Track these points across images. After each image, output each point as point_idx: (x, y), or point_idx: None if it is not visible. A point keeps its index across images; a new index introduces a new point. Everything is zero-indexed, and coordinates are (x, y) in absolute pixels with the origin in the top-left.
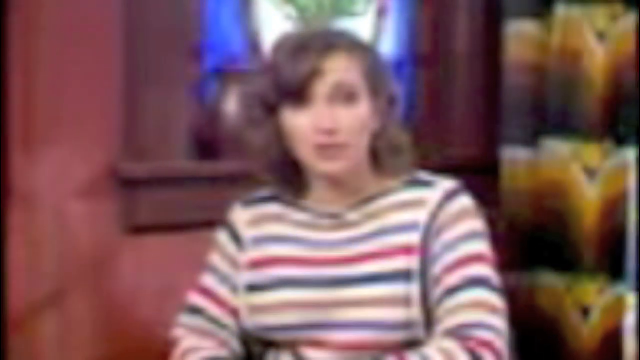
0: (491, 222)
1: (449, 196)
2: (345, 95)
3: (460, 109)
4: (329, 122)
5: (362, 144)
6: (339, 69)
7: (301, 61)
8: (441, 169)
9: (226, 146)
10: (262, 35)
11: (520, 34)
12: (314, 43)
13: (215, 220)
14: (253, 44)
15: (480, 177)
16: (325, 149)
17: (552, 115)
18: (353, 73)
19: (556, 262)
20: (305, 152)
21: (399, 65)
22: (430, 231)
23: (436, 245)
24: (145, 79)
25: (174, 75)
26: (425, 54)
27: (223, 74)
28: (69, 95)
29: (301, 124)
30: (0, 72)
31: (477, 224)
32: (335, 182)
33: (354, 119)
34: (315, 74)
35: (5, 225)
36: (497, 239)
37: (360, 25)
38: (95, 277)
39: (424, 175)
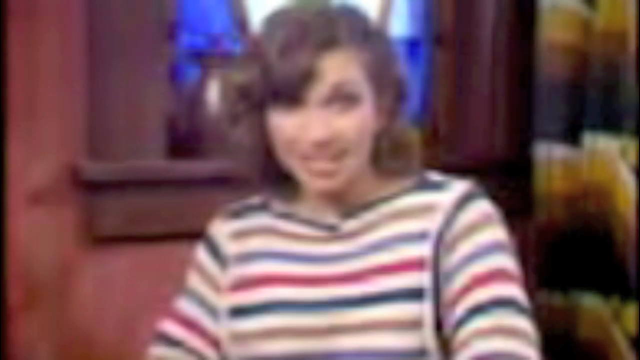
0: (519, 232)
1: (464, 200)
2: (344, 98)
3: (484, 98)
4: (322, 133)
5: (363, 151)
6: (339, 68)
7: (294, 59)
8: (460, 170)
9: (208, 143)
10: (249, 10)
11: (557, 10)
12: (309, 35)
13: (194, 231)
14: (239, 22)
15: (508, 178)
16: (319, 162)
17: (594, 106)
18: (355, 71)
19: (599, 282)
20: (293, 164)
21: (413, 46)
22: (443, 242)
23: (451, 260)
24: (112, 63)
25: (145, 58)
26: (444, 33)
27: (203, 56)
28: (20, 82)
29: (290, 128)
30: None
31: (499, 233)
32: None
33: (354, 125)
34: (310, 75)
35: None
36: (526, 252)
37: (367, 2)
38: (51, 297)
39: (433, 176)
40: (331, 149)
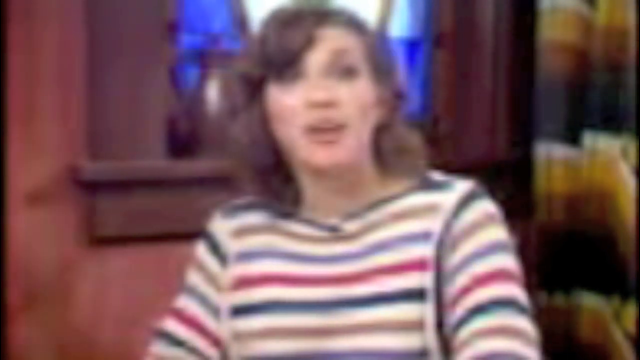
0: (520, 232)
1: (466, 200)
2: (343, 68)
3: (485, 97)
4: (325, 94)
5: (364, 131)
6: (337, 37)
7: (293, 30)
8: (460, 169)
9: (208, 143)
10: (250, 10)
11: (557, 10)
12: (306, 15)
13: (193, 231)
14: (239, 21)
15: (508, 178)
16: (321, 132)
17: (595, 106)
18: (353, 44)
19: (599, 282)
20: (294, 139)
21: (413, 46)
22: (445, 243)
23: (453, 260)
24: (112, 64)
25: (145, 59)
26: (444, 33)
27: (203, 56)
28: (20, 83)
29: (290, 103)
30: None
31: (500, 233)
32: (332, 184)
33: (354, 97)
34: (308, 42)
35: None
36: (526, 252)
37: (367, 2)
38: (50, 297)
39: (436, 176)
40: (333, 117)
